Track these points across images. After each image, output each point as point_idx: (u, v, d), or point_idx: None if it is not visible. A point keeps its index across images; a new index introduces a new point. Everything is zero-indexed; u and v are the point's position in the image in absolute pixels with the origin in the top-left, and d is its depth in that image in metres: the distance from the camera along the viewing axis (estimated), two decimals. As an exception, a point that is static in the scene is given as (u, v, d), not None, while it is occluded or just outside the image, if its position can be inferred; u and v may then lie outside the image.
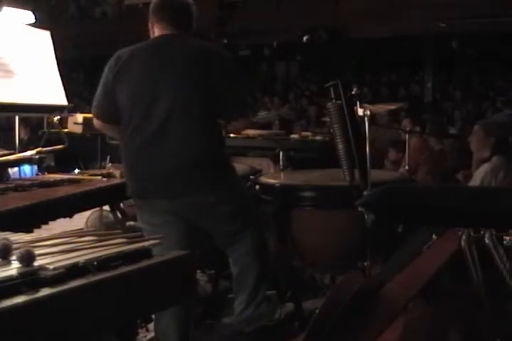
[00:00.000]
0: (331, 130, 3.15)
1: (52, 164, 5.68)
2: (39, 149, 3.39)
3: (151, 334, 3.13)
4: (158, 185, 2.79)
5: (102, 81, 2.87)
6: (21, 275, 1.30)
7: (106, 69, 2.87)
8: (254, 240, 2.99)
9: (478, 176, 4.32)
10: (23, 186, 2.86)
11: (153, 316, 2.85)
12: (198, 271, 3.98)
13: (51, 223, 2.66)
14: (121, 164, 3.03)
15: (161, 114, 2.76)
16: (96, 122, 2.97)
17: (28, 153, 3.32)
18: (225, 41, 11.55)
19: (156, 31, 2.94)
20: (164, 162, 2.76)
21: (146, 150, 2.78)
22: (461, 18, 10.57)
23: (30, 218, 2.44)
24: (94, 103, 2.90)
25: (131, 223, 4.22)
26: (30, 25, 3.95)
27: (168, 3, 2.94)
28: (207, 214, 2.84)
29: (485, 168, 4.34)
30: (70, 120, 4.22)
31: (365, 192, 3.01)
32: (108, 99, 2.85)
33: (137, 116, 2.78)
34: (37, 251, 1.42)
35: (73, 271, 1.38)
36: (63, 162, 5.45)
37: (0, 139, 5.20)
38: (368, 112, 3.31)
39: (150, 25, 2.97)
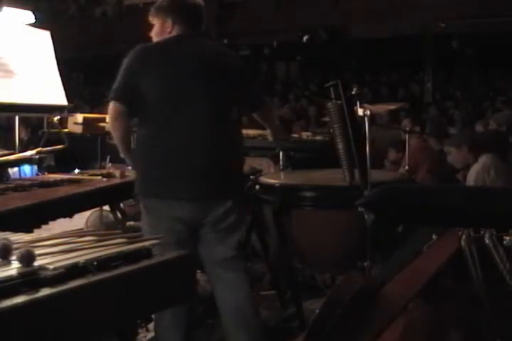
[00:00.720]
0: (331, 130, 3.15)
1: (53, 163, 5.68)
2: (39, 149, 3.39)
3: (151, 334, 3.13)
4: (184, 185, 2.75)
5: (124, 71, 2.79)
6: (21, 275, 1.30)
7: (129, 60, 2.80)
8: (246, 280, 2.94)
9: (471, 177, 4.37)
10: (23, 186, 2.86)
11: (153, 316, 2.85)
12: (198, 271, 3.98)
13: (51, 223, 2.66)
14: (132, 160, 2.96)
15: (193, 113, 2.76)
16: (113, 108, 2.78)
17: (28, 153, 3.32)
18: (225, 41, 11.56)
19: (174, 29, 2.90)
20: (195, 161, 2.75)
21: (174, 149, 2.76)
22: (461, 18, 10.57)
23: (30, 218, 2.44)
24: (115, 87, 2.79)
25: (131, 223, 4.23)
26: (30, 25, 3.95)
27: (191, 3, 2.95)
28: (215, 222, 2.82)
29: (475, 168, 4.42)
30: (70, 120, 4.21)
31: (365, 192, 3.01)
32: (131, 87, 2.77)
33: (166, 112, 2.76)
34: (37, 251, 1.42)
35: (73, 271, 1.38)
36: (63, 162, 5.45)
37: (0, 139, 5.20)
38: (368, 112, 3.31)
39: (161, 22, 2.91)
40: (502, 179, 4.31)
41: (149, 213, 2.84)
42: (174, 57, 2.83)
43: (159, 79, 2.78)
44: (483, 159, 4.43)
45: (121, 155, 2.96)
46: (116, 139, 2.87)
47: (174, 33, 2.90)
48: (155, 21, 2.95)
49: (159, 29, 2.93)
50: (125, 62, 2.81)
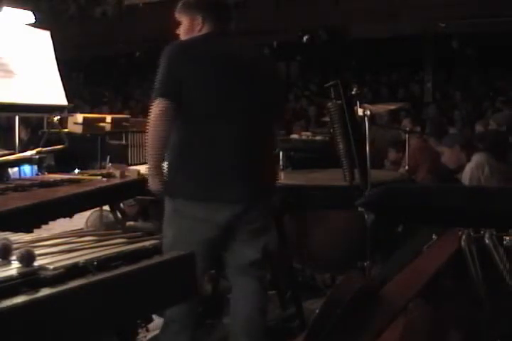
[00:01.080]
0: (331, 130, 3.15)
1: (53, 163, 5.68)
2: (39, 149, 3.39)
3: (151, 334, 3.14)
4: (230, 187, 2.68)
5: (166, 68, 2.69)
6: (21, 275, 1.30)
7: (168, 58, 2.70)
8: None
9: (466, 176, 4.43)
10: (23, 186, 2.86)
11: (153, 316, 2.85)
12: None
13: (51, 223, 2.66)
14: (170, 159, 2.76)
15: (236, 115, 2.72)
16: (161, 105, 2.64)
17: (28, 153, 3.32)
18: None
19: (205, 27, 2.81)
20: (240, 163, 2.70)
21: (219, 150, 2.69)
22: (461, 18, 10.57)
23: (30, 218, 2.44)
24: (161, 83, 2.68)
25: (131, 223, 4.23)
26: (30, 25, 3.95)
27: (221, 0, 2.93)
28: (247, 225, 2.78)
29: (469, 167, 4.50)
30: (70, 120, 4.21)
31: (365, 192, 3.01)
32: (177, 83, 2.66)
33: (210, 112, 2.70)
34: (37, 251, 1.42)
35: (73, 271, 1.38)
36: (63, 162, 5.44)
37: (0, 139, 5.20)
38: (368, 112, 3.31)
39: (190, 19, 2.82)
40: (496, 177, 4.35)
41: (182, 216, 2.71)
42: (216, 56, 2.76)
43: (204, 78, 2.70)
44: (476, 157, 4.51)
45: (151, 158, 2.71)
46: (155, 140, 2.66)
47: (204, 31, 2.81)
48: (183, 19, 2.85)
49: (188, 27, 2.83)
50: (165, 59, 2.70)
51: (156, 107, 2.65)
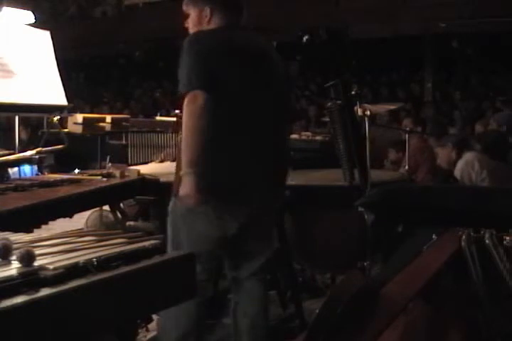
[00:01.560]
0: (331, 130, 3.15)
1: (53, 163, 5.69)
2: (39, 149, 3.39)
3: (151, 334, 3.14)
4: (255, 187, 2.64)
5: (194, 60, 2.56)
6: (21, 275, 1.30)
7: (198, 48, 2.59)
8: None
9: (457, 173, 4.52)
10: (23, 186, 2.86)
11: (153, 316, 2.84)
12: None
13: (51, 223, 2.66)
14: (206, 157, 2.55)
15: (264, 113, 2.68)
16: (199, 98, 2.50)
17: (28, 153, 3.32)
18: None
19: (213, 18, 2.72)
20: (265, 166, 2.67)
21: (247, 152, 2.63)
22: (461, 18, 10.56)
23: (30, 218, 2.44)
24: (196, 75, 2.54)
25: (131, 223, 4.23)
26: (30, 25, 3.95)
27: None
28: (259, 229, 2.76)
29: (460, 165, 4.63)
30: (70, 120, 4.21)
31: (365, 192, 3.01)
32: (212, 75, 2.54)
33: (243, 109, 2.62)
34: (37, 251, 1.42)
35: (73, 271, 1.38)
36: (63, 162, 5.45)
37: (0, 139, 5.20)
38: (368, 112, 3.31)
39: (198, 11, 2.73)
40: (490, 174, 4.41)
41: (197, 215, 2.59)
42: (242, 49, 2.69)
43: (237, 71, 2.61)
44: (467, 155, 4.67)
45: (190, 156, 2.50)
46: (196, 135, 2.49)
47: (213, 23, 2.72)
48: (191, 11, 2.76)
49: (197, 19, 2.75)
50: (193, 49, 2.59)
51: (194, 100, 2.50)
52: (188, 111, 2.51)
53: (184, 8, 2.80)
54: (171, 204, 2.71)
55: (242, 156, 2.61)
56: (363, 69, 13.44)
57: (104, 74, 16.14)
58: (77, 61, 13.04)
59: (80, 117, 4.17)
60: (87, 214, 4.14)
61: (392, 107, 5.22)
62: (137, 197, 3.95)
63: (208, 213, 2.59)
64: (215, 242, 2.64)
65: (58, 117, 3.86)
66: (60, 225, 2.66)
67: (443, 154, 4.94)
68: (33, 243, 1.58)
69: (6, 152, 3.30)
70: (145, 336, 3.16)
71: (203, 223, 2.61)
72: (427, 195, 1.88)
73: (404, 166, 4.91)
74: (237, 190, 2.61)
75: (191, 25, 2.78)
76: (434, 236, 2.18)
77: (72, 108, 4.17)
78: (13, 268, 1.34)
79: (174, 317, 2.66)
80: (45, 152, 3.49)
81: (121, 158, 4.53)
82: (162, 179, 3.38)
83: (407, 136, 4.84)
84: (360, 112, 3.33)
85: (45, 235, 1.74)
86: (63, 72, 3.87)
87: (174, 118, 5.46)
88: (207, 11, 2.72)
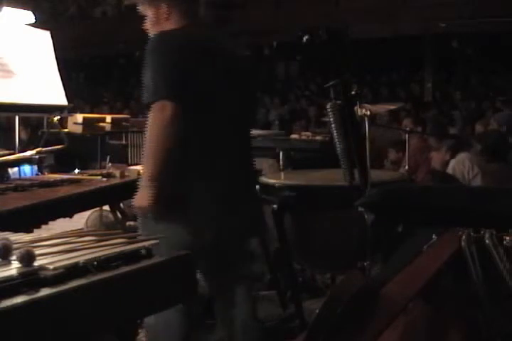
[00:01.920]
0: (331, 130, 3.15)
1: (53, 163, 5.69)
2: (39, 149, 3.39)
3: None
4: (235, 198, 2.52)
5: (165, 64, 2.36)
6: (21, 275, 1.30)
7: (169, 50, 2.39)
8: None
9: (450, 172, 4.60)
10: (23, 186, 2.86)
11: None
12: (198, 271, 3.97)
13: (51, 223, 2.66)
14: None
15: (239, 119, 2.56)
16: (169, 110, 2.29)
17: (28, 153, 3.32)
18: (225, 41, 11.53)
19: (172, 16, 2.53)
20: (240, 173, 2.57)
21: (225, 160, 2.51)
22: (461, 18, 10.57)
23: (30, 218, 2.44)
24: (163, 85, 2.33)
25: (131, 223, 4.22)
26: (30, 25, 3.95)
27: None
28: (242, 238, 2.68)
29: (452, 163, 4.82)
30: (70, 120, 4.21)
31: (365, 192, 3.01)
32: (184, 82, 2.34)
33: (220, 120, 2.47)
34: (37, 251, 1.42)
35: (73, 271, 1.38)
36: (63, 162, 5.45)
37: (0, 139, 5.20)
38: (368, 112, 3.31)
39: (155, 9, 2.55)
40: (480, 172, 4.52)
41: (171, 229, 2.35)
42: (214, 49, 2.53)
43: (212, 75, 2.43)
44: (459, 156, 4.86)
45: (150, 168, 2.34)
46: (158, 149, 2.31)
47: (173, 21, 2.53)
48: (147, 11, 2.58)
49: (155, 18, 2.56)
50: (163, 50, 2.39)
51: (162, 111, 2.29)
52: (155, 123, 2.32)
53: (140, 8, 2.62)
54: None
55: (215, 168, 2.47)
56: (363, 69, 13.45)
57: (104, 74, 16.15)
58: (77, 61, 13.05)
59: (79, 117, 4.17)
60: (87, 214, 4.14)
61: (392, 107, 5.22)
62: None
63: (181, 224, 2.42)
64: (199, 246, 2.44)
65: (58, 117, 3.87)
66: (60, 225, 2.65)
67: (437, 157, 5.08)
68: (33, 243, 1.58)
69: (6, 152, 3.29)
70: (145, 336, 3.15)
71: (179, 234, 2.38)
72: (427, 195, 1.88)
73: (404, 166, 4.91)
74: (214, 202, 2.46)
75: (150, 26, 2.60)
76: (434, 236, 2.18)
77: (72, 108, 4.17)
78: (13, 268, 1.34)
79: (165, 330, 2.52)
80: (45, 152, 3.49)
81: (121, 158, 4.53)
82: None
83: (407, 136, 4.84)
84: (360, 112, 3.32)
85: (45, 235, 1.73)
86: (63, 72, 3.87)
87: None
88: (164, 8, 2.53)
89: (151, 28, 2.59)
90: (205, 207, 2.43)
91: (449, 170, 4.79)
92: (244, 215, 2.56)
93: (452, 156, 4.96)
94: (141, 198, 2.37)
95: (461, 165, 4.72)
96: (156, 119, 2.31)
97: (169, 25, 2.54)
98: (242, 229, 2.58)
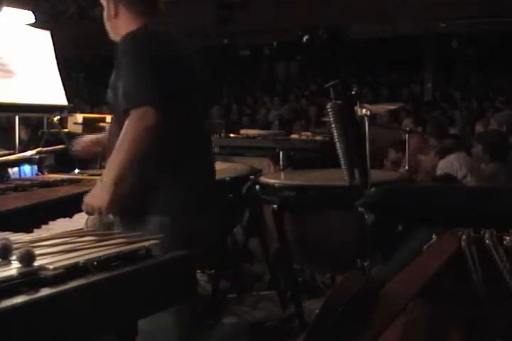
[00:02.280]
0: (331, 130, 3.15)
1: (53, 163, 5.68)
2: (39, 149, 3.39)
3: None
4: (205, 197, 2.49)
5: (143, 65, 2.27)
6: (21, 275, 1.30)
7: (146, 50, 2.31)
8: None
9: (439, 173, 4.82)
10: (23, 186, 2.86)
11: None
12: (198, 271, 3.97)
13: (51, 223, 2.66)
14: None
15: (202, 117, 2.57)
16: (150, 117, 2.19)
17: (28, 153, 3.32)
18: (225, 41, 11.54)
19: (120, 13, 2.48)
20: (208, 172, 2.57)
21: (203, 157, 2.53)
22: (461, 18, 10.57)
23: (30, 218, 2.44)
24: (141, 89, 2.23)
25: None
26: (30, 25, 3.95)
27: None
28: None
29: (441, 164, 4.94)
30: (70, 120, 4.21)
31: (365, 192, 3.01)
32: (166, 86, 2.26)
33: (195, 121, 2.47)
34: (37, 251, 1.42)
35: (73, 271, 1.38)
36: (63, 162, 5.45)
37: (0, 139, 5.20)
38: (368, 112, 3.31)
39: (105, 4, 2.51)
40: (469, 172, 4.58)
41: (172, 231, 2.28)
42: (183, 51, 2.50)
43: (182, 77, 2.37)
44: (447, 158, 4.95)
45: (117, 173, 2.24)
46: (133, 157, 2.22)
47: (122, 18, 2.47)
48: (103, 3, 2.55)
49: (107, 12, 2.52)
50: (140, 50, 2.30)
51: (143, 119, 2.19)
52: (133, 132, 2.20)
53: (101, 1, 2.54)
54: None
55: (201, 170, 2.47)
56: (363, 69, 13.45)
57: (104, 74, 16.12)
58: (77, 61, 13.04)
59: (79, 117, 4.17)
60: (87, 214, 4.13)
61: (392, 107, 5.21)
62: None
63: (183, 227, 2.36)
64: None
65: (58, 117, 3.87)
66: (60, 225, 2.65)
67: (426, 160, 5.18)
68: (33, 243, 1.58)
69: (6, 152, 3.30)
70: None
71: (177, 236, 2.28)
72: (427, 195, 1.88)
73: (404, 166, 4.91)
74: (206, 201, 2.46)
75: (105, 20, 2.56)
76: (434, 236, 2.18)
77: (72, 108, 4.17)
78: (13, 268, 1.34)
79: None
80: (45, 152, 3.48)
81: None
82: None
83: (407, 136, 4.84)
84: (360, 112, 3.32)
85: (45, 235, 1.74)
86: (63, 72, 3.87)
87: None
88: (110, 2, 2.50)
89: (106, 22, 2.58)
90: (178, 203, 2.37)
91: (438, 170, 4.85)
92: (213, 215, 2.51)
93: (441, 159, 5.07)
94: (97, 198, 2.31)
95: (449, 166, 4.81)
96: (134, 128, 2.21)
97: (119, 23, 2.49)
98: (212, 227, 2.52)
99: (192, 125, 2.44)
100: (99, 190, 2.29)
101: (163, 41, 2.40)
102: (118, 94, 2.30)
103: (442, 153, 5.11)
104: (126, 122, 2.23)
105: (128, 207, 2.36)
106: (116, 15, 2.49)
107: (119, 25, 2.50)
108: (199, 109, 2.49)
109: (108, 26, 2.56)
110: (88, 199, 2.34)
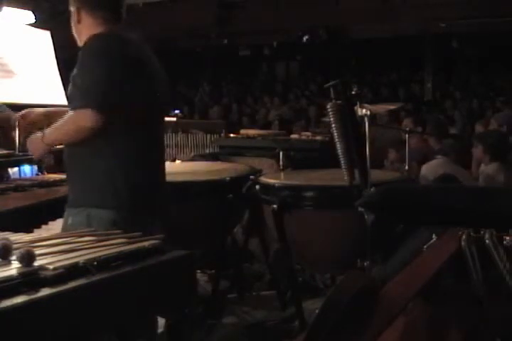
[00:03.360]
0: (331, 130, 3.15)
1: (52, 162, 5.68)
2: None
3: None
4: (154, 197, 2.56)
5: (102, 67, 2.36)
6: (21, 275, 1.30)
7: (108, 52, 2.40)
8: None
9: (422, 177, 4.83)
10: (23, 186, 2.86)
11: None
12: (198, 271, 3.97)
13: (51, 223, 2.66)
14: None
15: (160, 120, 2.66)
16: (96, 119, 2.29)
17: (28, 153, 3.32)
18: (225, 41, 11.54)
19: (83, 18, 2.53)
20: (161, 171, 2.64)
21: (153, 159, 2.61)
22: (461, 18, 10.57)
23: (30, 218, 2.44)
24: (95, 92, 2.33)
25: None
26: (30, 25, 3.95)
27: None
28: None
29: (424, 170, 4.93)
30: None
31: (365, 192, 3.01)
32: (120, 91, 2.36)
33: (150, 118, 2.54)
34: (37, 251, 1.42)
35: (73, 271, 1.38)
36: (63, 162, 5.44)
37: (0, 139, 5.19)
38: (368, 112, 3.31)
39: (72, 8, 2.55)
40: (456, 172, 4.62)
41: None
42: (146, 55, 2.56)
43: (142, 81, 2.46)
44: (431, 162, 4.98)
45: (57, 139, 2.49)
46: (67, 141, 2.46)
47: (85, 23, 2.54)
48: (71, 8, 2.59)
49: (73, 17, 2.58)
50: (102, 52, 2.40)
51: (85, 121, 2.32)
52: (74, 129, 2.39)
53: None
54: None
55: (152, 170, 2.57)
56: (363, 69, 13.45)
57: (104, 74, 16.08)
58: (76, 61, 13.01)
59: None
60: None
61: (392, 107, 5.21)
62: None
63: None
64: None
65: (58, 117, 3.86)
66: (60, 225, 2.66)
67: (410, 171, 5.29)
68: (33, 243, 1.58)
69: (6, 152, 3.29)
70: (145, 336, 3.15)
71: None
72: (427, 195, 1.88)
73: (404, 166, 4.91)
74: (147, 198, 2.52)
75: (72, 25, 2.64)
76: (434, 236, 2.18)
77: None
78: (13, 268, 1.35)
79: None
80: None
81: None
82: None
83: (407, 136, 4.84)
84: (360, 112, 3.32)
85: (45, 235, 1.74)
86: (63, 72, 3.86)
87: (174, 119, 5.47)
88: (74, 8, 2.56)
89: (72, 29, 2.66)
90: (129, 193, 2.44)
91: (420, 175, 4.87)
92: (160, 215, 2.57)
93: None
94: (34, 145, 2.55)
95: (432, 170, 4.82)
96: (77, 127, 2.37)
97: (83, 29, 2.57)
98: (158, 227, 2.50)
99: (143, 127, 2.49)
100: (39, 142, 2.50)
101: (123, 45, 2.46)
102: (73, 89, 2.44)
103: (423, 162, 5.16)
104: (69, 115, 2.40)
105: (75, 199, 2.46)
106: (79, 21, 2.56)
107: (82, 31, 2.57)
108: (152, 112, 2.54)
109: (74, 32, 2.63)
110: (28, 142, 2.58)
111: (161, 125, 2.70)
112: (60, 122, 2.45)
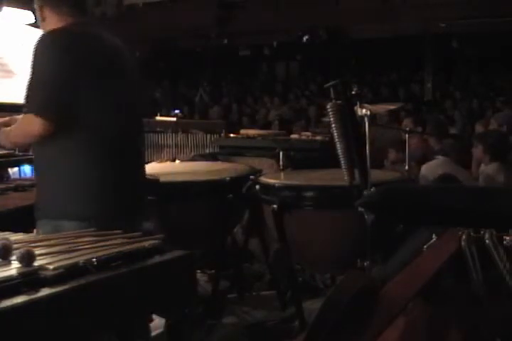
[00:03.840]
0: (331, 130, 3.15)
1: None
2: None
3: (152, 334, 3.13)
4: (130, 204, 2.49)
5: (52, 69, 2.27)
6: (21, 275, 1.31)
7: (62, 51, 2.28)
8: None
9: (421, 177, 4.88)
10: (23, 186, 2.86)
11: (153, 316, 2.83)
12: (198, 271, 3.98)
13: (51, 223, 2.66)
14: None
15: (135, 120, 2.59)
16: (42, 128, 2.24)
17: (28, 153, 3.32)
18: (225, 41, 11.54)
19: (48, 16, 2.45)
20: (134, 177, 2.55)
21: (126, 160, 2.51)
22: (461, 18, 10.57)
23: (30, 218, 2.44)
24: (43, 97, 2.27)
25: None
26: (30, 25, 3.95)
27: None
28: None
29: (423, 170, 4.97)
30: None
31: (365, 192, 3.01)
32: (70, 96, 2.27)
33: (114, 129, 2.43)
34: (37, 251, 1.42)
35: (73, 271, 1.38)
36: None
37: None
38: (368, 112, 3.31)
39: (36, 7, 2.48)
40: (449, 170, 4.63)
41: None
42: (109, 57, 2.45)
43: (105, 83, 2.37)
44: (431, 162, 5.01)
45: (17, 142, 2.58)
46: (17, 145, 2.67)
47: (49, 21, 2.45)
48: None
49: (37, 16, 2.51)
50: (54, 51, 2.28)
51: (33, 127, 2.27)
52: (22, 135, 2.40)
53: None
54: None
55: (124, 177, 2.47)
56: (363, 69, 13.45)
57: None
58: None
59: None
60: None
61: (392, 107, 5.21)
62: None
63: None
64: None
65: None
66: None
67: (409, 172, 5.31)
68: (33, 243, 1.58)
69: (6, 152, 3.29)
70: (145, 336, 3.15)
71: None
72: (427, 195, 1.87)
73: (405, 166, 4.91)
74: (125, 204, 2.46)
75: (39, 23, 2.55)
76: (434, 236, 2.18)
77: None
78: (13, 268, 1.35)
79: None
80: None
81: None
82: (162, 179, 3.38)
83: (407, 136, 4.84)
84: (360, 112, 3.32)
85: (45, 235, 1.73)
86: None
87: (174, 119, 5.47)
88: (37, 6, 2.49)
89: (39, 25, 2.56)
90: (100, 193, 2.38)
91: (420, 175, 4.87)
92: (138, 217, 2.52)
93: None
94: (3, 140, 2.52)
95: (431, 170, 4.83)
96: (25, 131, 2.36)
97: (47, 26, 2.47)
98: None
99: (114, 127, 2.41)
100: (5, 138, 2.49)
101: (80, 41, 2.36)
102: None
103: (422, 163, 5.17)
104: (20, 120, 2.41)
105: (46, 210, 2.36)
106: (43, 18, 2.48)
107: (47, 29, 2.47)
108: (123, 110, 2.45)
109: (41, 30, 2.53)
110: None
111: (136, 124, 2.58)
112: (15, 125, 2.47)
